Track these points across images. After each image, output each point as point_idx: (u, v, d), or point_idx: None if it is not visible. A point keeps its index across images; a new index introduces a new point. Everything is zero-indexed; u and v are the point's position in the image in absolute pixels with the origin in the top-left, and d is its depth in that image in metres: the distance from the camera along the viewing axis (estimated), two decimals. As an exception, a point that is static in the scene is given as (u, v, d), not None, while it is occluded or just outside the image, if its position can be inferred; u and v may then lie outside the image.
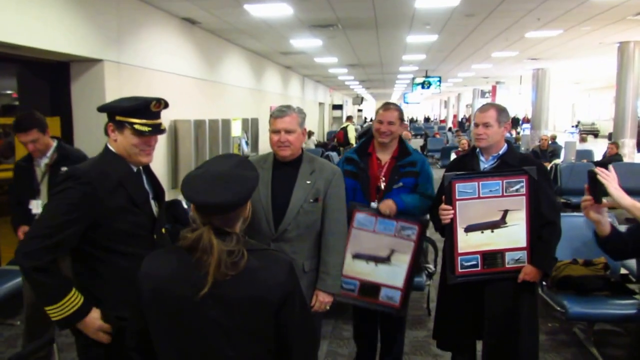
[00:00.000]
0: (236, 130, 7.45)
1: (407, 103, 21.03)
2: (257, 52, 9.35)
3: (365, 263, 2.36)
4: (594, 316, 2.89)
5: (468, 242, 2.12)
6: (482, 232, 2.12)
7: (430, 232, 4.42)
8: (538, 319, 2.26)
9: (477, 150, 2.24)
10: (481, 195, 2.11)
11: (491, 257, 2.13)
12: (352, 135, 10.32)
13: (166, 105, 1.69)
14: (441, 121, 26.96)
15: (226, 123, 6.89)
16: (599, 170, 1.62)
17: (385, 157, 2.44)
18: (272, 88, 11.10)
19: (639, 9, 6.09)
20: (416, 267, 2.40)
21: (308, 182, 1.98)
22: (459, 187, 2.11)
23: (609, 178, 1.59)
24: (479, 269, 2.13)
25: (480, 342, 2.31)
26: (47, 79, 4.50)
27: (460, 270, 2.13)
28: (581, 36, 8.04)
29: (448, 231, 2.15)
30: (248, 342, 1.16)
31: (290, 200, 1.96)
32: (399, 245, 2.35)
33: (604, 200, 1.62)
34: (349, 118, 11.58)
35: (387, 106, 2.44)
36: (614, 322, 3.26)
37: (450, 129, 19.57)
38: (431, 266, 3.56)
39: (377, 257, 2.36)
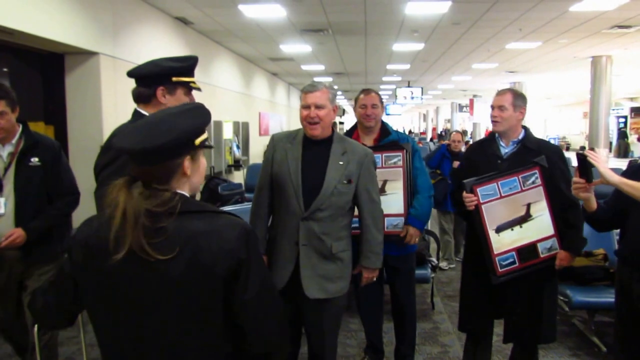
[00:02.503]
0: (228, 132, 7.46)
1: (388, 115, 21.39)
2: (246, 56, 9.40)
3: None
4: (596, 305, 2.97)
5: (501, 242, 2.16)
6: (512, 229, 2.16)
7: (432, 226, 4.48)
8: (557, 301, 2.32)
9: (497, 135, 2.26)
10: (502, 195, 2.16)
11: (526, 251, 2.17)
12: None
13: None
14: (421, 133, 27.78)
15: (218, 125, 6.90)
16: (588, 152, 1.81)
17: (369, 141, 2.53)
18: (260, 94, 11.15)
19: (614, 23, 6.46)
20: (410, 191, 2.45)
21: (341, 162, 1.96)
22: (480, 191, 2.15)
23: (598, 159, 1.79)
24: (517, 265, 2.17)
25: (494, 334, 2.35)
26: (40, 71, 4.42)
27: (500, 270, 2.17)
28: (558, 49, 8.44)
29: (479, 233, 2.18)
30: (192, 322, 0.99)
31: (325, 180, 1.92)
32: (389, 174, 2.43)
33: (594, 179, 1.83)
34: (334, 125, 11.70)
35: (367, 91, 2.53)
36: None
37: (431, 139, 20.38)
38: (434, 259, 3.62)
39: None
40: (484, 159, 2.26)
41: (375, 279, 2.12)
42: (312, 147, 1.98)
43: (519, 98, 2.19)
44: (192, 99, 1.65)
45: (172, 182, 1.02)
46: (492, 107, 2.21)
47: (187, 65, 1.59)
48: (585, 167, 1.81)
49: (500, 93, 2.22)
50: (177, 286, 0.97)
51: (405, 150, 2.44)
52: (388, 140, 2.51)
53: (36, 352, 2.43)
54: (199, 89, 1.64)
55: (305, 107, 1.95)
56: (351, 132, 2.58)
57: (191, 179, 1.06)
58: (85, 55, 4.38)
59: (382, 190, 2.44)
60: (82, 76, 4.43)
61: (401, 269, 2.58)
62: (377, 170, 2.40)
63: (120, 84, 4.64)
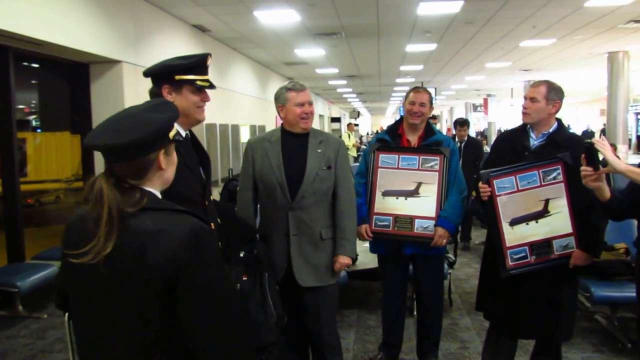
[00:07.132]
0: (245, 135, 7.62)
1: (402, 115, 21.37)
2: (262, 62, 9.57)
3: (395, 199, 2.47)
4: (619, 300, 2.93)
5: (514, 235, 2.12)
6: (527, 224, 2.11)
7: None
8: (577, 299, 2.27)
9: (528, 126, 2.21)
10: (520, 188, 2.11)
11: (539, 247, 2.12)
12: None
13: None
14: (435, 134, 27.64)
15: (235, 128, 7.07)
16: (595, 140, 1.81)
17: (414, 138, 2.56)
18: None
19: (630, 17, 6.40)
20: (444, 196, 2.47)
21: (319, 150, 2.10)
22: (497, 183, 2.11)
23: (605, 146, 1.79)
24: (528, 259, 2.12)
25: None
26: (67, 81, 4.61)
27: (510, 263, 2.12)
28: (572, 45, 8.37)
29: (492, 225, 2.16)
30: (132, 329, 0.96)
31: (306, 167, 2.06)
32: (424, 177, 2.46)
33: (601, 167, 1.81)
34: (349, 125, 11.68)
35: (417, 89, 2.56)
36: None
37: (446, 140, 20.28)
38: (451, 256, 3.65)
39: (405, 191, 2.47)
40: (512, 149, 2.23)
41: (347, 268, 2.13)
42: (290, 142, 2.11)
43: (553, 91, 2.13)
44: (206, 97, 1.61)
45: (147, 176, 1.02)
46: (525, 97, 2.18)
47: (189, 62, 1.54)
48: (592, 155, 1.80)
49: (535, 84, 2.16)
50: (118, 288, 0.95)
51: (443, 155, 2.45)
52: (432, 139, 2.52)
53: (67, 342, 2.47)
54: (207, 87, 1.57)
55: (299, 104, 2.07)
56: (396, 127, 2.61)
57: (165, 173, 1.06)
58: (109, 63, 4.56)
59: (416, 192, 2.47)
60: (106, 84, 4.61)
61: (430, 267, 2.58)
62: (413, 171, 2.47)
63: (142, 90, 4.75)
